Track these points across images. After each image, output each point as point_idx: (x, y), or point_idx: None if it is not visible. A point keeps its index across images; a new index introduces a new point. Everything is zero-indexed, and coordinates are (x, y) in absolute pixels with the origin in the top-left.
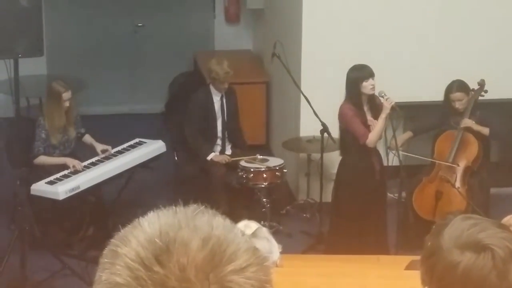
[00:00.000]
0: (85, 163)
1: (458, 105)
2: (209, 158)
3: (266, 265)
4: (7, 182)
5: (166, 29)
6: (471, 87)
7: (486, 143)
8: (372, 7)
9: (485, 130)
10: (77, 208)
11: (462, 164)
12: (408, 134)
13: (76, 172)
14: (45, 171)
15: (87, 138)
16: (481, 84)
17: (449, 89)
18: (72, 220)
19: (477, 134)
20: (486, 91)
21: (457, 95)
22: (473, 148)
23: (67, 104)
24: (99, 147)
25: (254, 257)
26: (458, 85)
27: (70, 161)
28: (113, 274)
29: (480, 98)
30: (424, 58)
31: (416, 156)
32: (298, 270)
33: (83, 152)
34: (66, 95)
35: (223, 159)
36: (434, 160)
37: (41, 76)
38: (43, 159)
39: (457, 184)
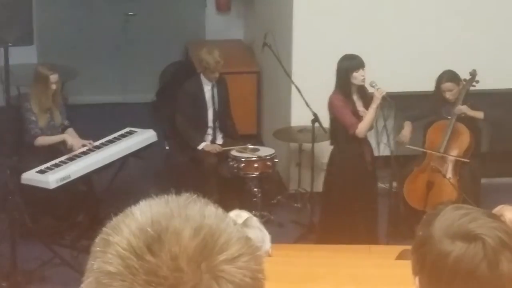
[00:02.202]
0: (84, 148)
1: (448, 95)
2: (200, 147)
3: (258, 254)
4: None
5: (157, 18)
6: (462, 77)
7: (477, 134)
8: None
9: (479, 114)
10: (68, 198)
11: (454, 154)
12: (409, 124)
13: (70, 159)
14: (36, 159)
15: (70, 133)
16: (473, 74)
17: (440, 80)
18: (63, 209)
19: (468, 125)
20: (477, 81)
21: (447, 85)
22: (465, 138)
23: (53, 87)
24: (79, 144)
25: (246, 246)
26: (448, 76)
27: (69, 139)
28: (104, 263)
29: (471, 88)
30: (415, 48)
31: (422, 149)
32: (289, 259)
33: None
34: (53, 77)
35: (214, 148)
36: (439, 153)
37: (31, 65)
38: (42, 141)
39: (449, 174)
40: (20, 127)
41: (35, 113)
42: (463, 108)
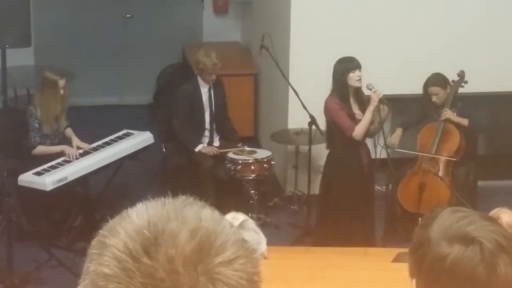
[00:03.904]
0: (80, 150)
1: (435, 99)
2: (197, 149)
3: (254, 257)
4: None
5: (155, 20)
6: (452, 79)
7: (473, 135)
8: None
9: (464, 122)
10: (64, 199)
11: (444, 155)
12: (399, 130)
13: (67, 161)
14: (34, 162)
15: (68, 132)
16: (461, 75)
17: (426, 84)
18: (60, 211)
19: (459, 125)
20: (466, 82)
21: (433, 89)
22: (455, 139)
23: (62, 91)
24: (75, 143)
25: (243, 249)
26: (434, 79)
27: (68, 149)
28: (101, 265)
29: (461, 90)
30: (412, 51)
31: (411, 152)
32: (286, 262)
33: (68, 143)
34: (62, 82)
35: (211, 150)
36: (429, 155)
37: (28, 66)
38: (41, 149)
39: (440, 174)
40: (18, 131)
41: (39, 120)
42: (447, 114)
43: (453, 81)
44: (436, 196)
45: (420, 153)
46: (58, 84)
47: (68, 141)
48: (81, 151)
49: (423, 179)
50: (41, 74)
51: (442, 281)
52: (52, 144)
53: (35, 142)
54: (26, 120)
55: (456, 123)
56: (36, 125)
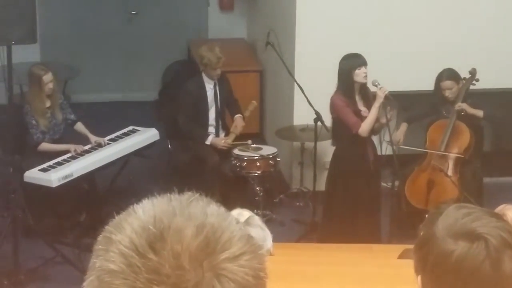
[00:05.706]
0: (86, 147)
1: (448, 93)
2: (208, 142)
3: (260, 253)
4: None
5: (160, 17)
6: (463, 76)
7: (479, 133)
8: None
9: (479, 113)
10: (70, 196)
11: (453, 152)
12: (404, 125)
13: (73, 158)
14: (39, 158)
15: (80, 127)
16: (473, 73)
17: (439, 78)
18: (65, 207)
19: (469, 123)
20: (477, 80)
21: (447, 83)
22: (465, 136)
23: (50, 86)
24: (93, 138)
25: (248, 245)
26: (448, 74)
27: (73, 147)
28: (107, 261)
29: (471, 87)
30: (418, 47)
31: (416, 148)
32: (291, 258)
33: (72, 139)
34: (47, 77)
35: (221, 140)
36: (433, 151)
37: (34, 63)
38: (46, 147)
39: (449, 172)
40: (22, 127)
41: (34, 116)
42: (463, 105)
43: (464, 78)
44: (444, 194)
45: (429, 150)
46: (42, 80)
47: (81, 137)
48: (88, 146)
49: (432, 176)
50: (28, 70)
51: (447, 277)
52: (52, 139)
53: (38, 138)
54: (23, 117)
55: (470, 117)
56: (34, 122)
